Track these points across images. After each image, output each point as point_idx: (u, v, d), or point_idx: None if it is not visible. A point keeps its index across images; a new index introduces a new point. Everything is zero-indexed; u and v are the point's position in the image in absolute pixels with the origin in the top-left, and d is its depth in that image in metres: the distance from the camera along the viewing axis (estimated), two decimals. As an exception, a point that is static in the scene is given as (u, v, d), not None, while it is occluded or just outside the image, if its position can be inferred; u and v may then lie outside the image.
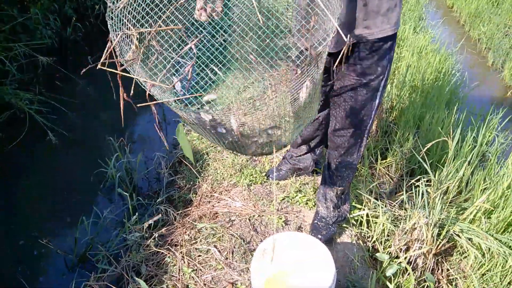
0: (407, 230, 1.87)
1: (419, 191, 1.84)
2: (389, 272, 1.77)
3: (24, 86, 3.16)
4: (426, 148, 1.85)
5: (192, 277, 1.75)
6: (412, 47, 3.54)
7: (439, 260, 1.94)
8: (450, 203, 1.99)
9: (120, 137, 2.63)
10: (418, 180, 1.99)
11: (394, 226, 1.94)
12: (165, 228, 2.01)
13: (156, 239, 1.91)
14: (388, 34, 1.44)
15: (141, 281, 1.44)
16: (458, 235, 1.88)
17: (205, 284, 1.73)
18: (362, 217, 2.01)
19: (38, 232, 2.16)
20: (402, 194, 2.03)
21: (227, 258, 1.81)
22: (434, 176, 1.93)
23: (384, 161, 2.61)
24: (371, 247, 1.92)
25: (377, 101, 1.59)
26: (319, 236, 1.84)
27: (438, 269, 1.94)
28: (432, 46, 3.70)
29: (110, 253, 1.95)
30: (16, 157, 2.68)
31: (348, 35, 1.40)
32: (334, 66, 1.56)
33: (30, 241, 2.13)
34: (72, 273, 1.91)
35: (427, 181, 2.04)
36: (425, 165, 1.88)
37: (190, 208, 2.18)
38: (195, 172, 2.36)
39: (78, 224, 2.09)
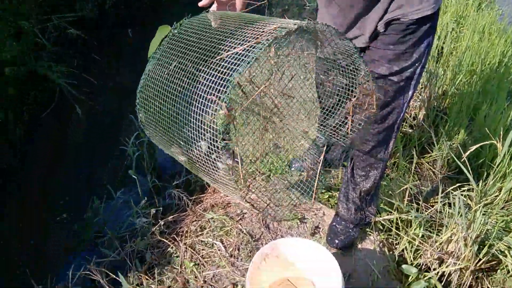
0: (442, 242, 1.61)
1: (457, 201, 1.56)
2: (415, 288, 1.53)
3: (59, 58, 3.16)
4: (469, 152, 1.54)
5: (193, 272, 1.63)
6: (473, 25, 3.09)
7: (479, 276, 1.66)
8: (496, 214, 1.68)
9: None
10: (458, 188, 1.69)
11: (428, 235, 1.68)
12: (175, 215, 1.89)
13: (162, 226, 1.81)
14: (426, 15, 1.18)
15: (122, 279, 1.33)
16: (503, 253, 1.59)
17: (205, 281, 1.60)
18: (391, 222, 1.76)
19: (48, 206, 2.14)
20: (442, 198, 1.76)
21: (231, 255, 1.66)
22: (479, 182, 1.63)
23: (429, 155, 2.31)
24: (397, 257, 1.68)
25: (410, 92, 1.33)
26: (336, 241, 1.63)
27: (477, 287, 1.66)
28: (498, 25, 3.21)
29: (118, 236, 1.88)
30: (44, 126, 2.68)
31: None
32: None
33: (38, 215, 2.11)
34: (76, 254, 1.86)
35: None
36: (466, 172, 1.58)
37: (204, 195, 2.05)
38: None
39: (90, 203, 2.03)
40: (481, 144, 1.63)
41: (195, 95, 0.93)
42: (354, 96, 1.14)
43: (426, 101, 2.50)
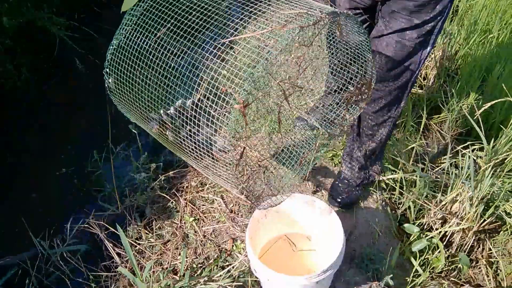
0: (447, 202, 1.58)
1: (467, 159, 1.51)
2: (416, 247, 1.51)
3: (60, 10, 3.04)
4: (483, 109, 1.48)
5: (193, 227, 1.62)
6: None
7: (481, 237, 1.64)
8: (504, 176, 1.63)
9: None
10: (469, 146, 1.64)
11: (432, 195, 1.65)
12: (176, 171, 1.87)
13: (162, 182, 1.79)
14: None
15: (121, 232, 1.31)
16: (509, 214, 1.56)
17: (204, 236, 1.59)
18: (395, 181, 1.72)
19: (48, 160, 2.12)
20: (450, 158, 1.71)
21: (232, 211, 1.65)
22: (489, 143, 1.57)
23: (438, 116, 2.24)
24: (399, 217, 1.66)
25: (428, 48, 1.25)
26: (338, 199, 1.60)
27: (478, 247, 1.64)
28: (519, -19, 3.03)
29: (118, 191, 1.86)
30: (44, 77, 2.62)
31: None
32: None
33: (38, 169, 2.09)
34: (76, 208, 1.85)
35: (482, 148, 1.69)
36: (477, 129, 1.52)
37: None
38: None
39: (90, 158, 2.00)
40: (495, 101, 1.56)
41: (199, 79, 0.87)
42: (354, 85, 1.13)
43: (438, 60, 2.41)
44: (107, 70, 1.06)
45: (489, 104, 1.51)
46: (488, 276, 1.55)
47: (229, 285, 1.28)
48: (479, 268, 1.59)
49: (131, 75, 1.01)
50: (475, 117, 1.52)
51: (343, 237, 1.25)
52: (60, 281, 1.55)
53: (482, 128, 1.57)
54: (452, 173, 1.61)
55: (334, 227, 1.31)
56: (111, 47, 1.04)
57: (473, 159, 1.53)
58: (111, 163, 1.86)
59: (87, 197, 1.90)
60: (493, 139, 1.66)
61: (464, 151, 1.58)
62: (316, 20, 0.81)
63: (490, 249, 1.62)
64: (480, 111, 1.49)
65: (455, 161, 1.73)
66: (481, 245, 1.64)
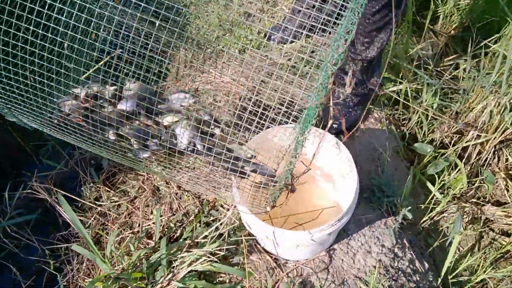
0: (462, 111, 1.33)
1: (490, 54, 1.23)
2: (432, 169, 1.29)
3: None
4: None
5: (164, 176, 1.32)
6: None
7: (498, 148, 1.43)
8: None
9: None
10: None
11: (445, 106, 1.39)
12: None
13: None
14: None
15: (63, 201, 1.00)
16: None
17: (179, 187, 1.30)
18: (398, 93, 1.44)
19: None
20: (458, 60, 1.43)
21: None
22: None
23: (443, 8, 1.91)
24: (407, 135, 1.41)
25: None
26: (334, 125, 1.32)
27: (494, 159, 1.44)
28: None
29: (64, 142, 1.51)
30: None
31: None
32: None
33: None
34: (13, 171, 1.50)
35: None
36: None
37: (165, 82, 1.64)
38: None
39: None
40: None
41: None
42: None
43: None
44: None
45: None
46: (508, 191, 1.37)
47: (218, 250, 1.02)
48: (497, 182, 1.40)
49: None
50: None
51: (356, 175, 0.99)
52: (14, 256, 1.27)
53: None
54: (466, 76, 1.35)
55: (343, 161, 1.04)
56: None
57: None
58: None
59: (24, 155, 1.53)
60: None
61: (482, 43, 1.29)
62: None
63: (507, 160, 1.42)
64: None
65: (464, 61, 1.45)
66: (496, 157, 1.44)
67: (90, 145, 0.88)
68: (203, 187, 0.99)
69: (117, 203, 1.32)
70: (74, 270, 1.21)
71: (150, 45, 0.76)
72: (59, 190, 1.30)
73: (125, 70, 0.84)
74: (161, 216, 1.24)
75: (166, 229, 1.19)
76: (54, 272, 1.21)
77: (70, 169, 1.42)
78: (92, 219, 1.30)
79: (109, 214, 1.30)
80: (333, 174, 1.14)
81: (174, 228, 1.19)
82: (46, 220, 1.38)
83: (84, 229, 1.01)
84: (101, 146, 0.85)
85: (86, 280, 1.16)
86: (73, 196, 1.31)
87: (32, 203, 1.38)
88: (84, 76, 0.89)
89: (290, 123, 0.99)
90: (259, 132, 1.07)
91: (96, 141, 0.84)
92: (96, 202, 1.33)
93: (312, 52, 1.56)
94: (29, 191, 1.33)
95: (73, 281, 1.20)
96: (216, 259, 1.00)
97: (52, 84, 0.74)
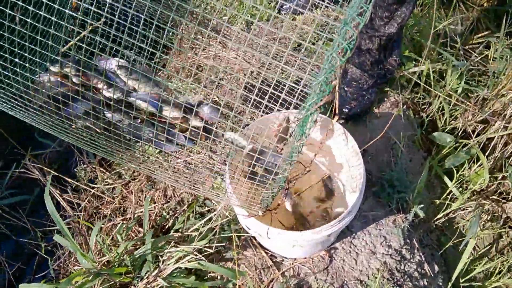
0: (490, 98, 1.19)
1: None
2: (451, 162, 1.17)
3: None
4: None
5: (159, 160, 1.25)
6: None
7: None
8: None
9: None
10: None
11: (471, 90, 1.25)
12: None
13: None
14: None
15: (47, 195, 0.94)
16: None
17: (176, 173, 1.22)
18: (419, 75, 1.30)
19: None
20: (490, 38, 1.27)
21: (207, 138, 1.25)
22: None
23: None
24: (426, 122, 1.28)
25: None
26: (345, 110, 1.20)
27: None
28: None
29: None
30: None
31: None
32: None
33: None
34: (6, 148, 1.45)
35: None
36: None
37: (166, 57, 1.54)
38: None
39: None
40: None
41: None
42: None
43: None
44: None
45: None
46: (534, 187, 1.24)
47: (207, 247, 0.95)
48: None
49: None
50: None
51: (363, 169, 0.89)
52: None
53: None
54: (501, 57, 1.19)
55: (350, 153, 0.94)
56: None
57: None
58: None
59: (18, 132, 1.46)
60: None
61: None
62: None
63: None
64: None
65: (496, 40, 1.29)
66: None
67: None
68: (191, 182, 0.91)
69: (111, 186, 1.26)
70: (66, 254, 1.18)
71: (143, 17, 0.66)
72: (50, 171, 1.25)
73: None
74: (154, 203, 1.17)
75: (158, 218, 1.13)
76: (45, 255, 1.18)
77: (65, 147, 1.37)
78: (86, 201, 1.25)
79: (103, 197, 1.25)
80: (338, 167, 1.04)
81: (167, 217, 1.13)
82: (41, 201, 1.34)
83: (63, 222, 0.96)
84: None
85: (75, 267, 1.12)
86: (66, 178, 1.26)
87: (26, 183, 1.34)
88: (64, 48, 0.81)
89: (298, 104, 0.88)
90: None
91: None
92: (90, 185, 1.27)
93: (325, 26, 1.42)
94: (22, 170, 1.28)
95: (64, 265, 1.17)
96: (203, 258, 0.93)
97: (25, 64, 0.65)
